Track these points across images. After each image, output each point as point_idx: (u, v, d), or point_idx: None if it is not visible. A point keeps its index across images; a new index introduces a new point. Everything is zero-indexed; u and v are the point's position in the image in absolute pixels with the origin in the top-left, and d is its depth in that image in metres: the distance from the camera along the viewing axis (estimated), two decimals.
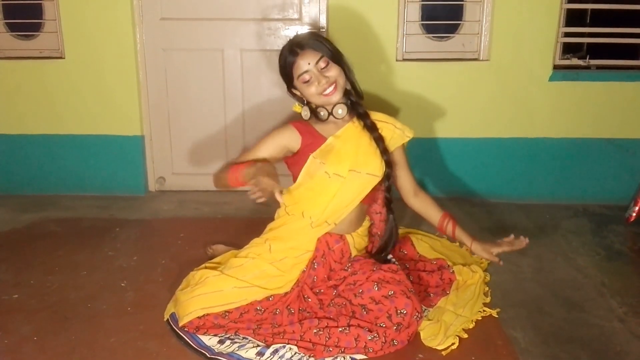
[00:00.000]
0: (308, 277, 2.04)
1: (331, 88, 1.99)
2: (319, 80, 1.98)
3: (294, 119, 2.14)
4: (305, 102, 2.08)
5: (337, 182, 2.02)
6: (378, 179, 2.08)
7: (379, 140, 2.07)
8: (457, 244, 2.68)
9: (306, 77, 1.98)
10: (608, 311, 2.13)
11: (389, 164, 2.08)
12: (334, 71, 2.00)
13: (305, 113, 2.08)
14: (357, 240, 2.13)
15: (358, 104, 2.10)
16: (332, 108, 2.04)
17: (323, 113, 2.05)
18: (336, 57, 2.01)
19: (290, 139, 2.07)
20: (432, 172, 3.31)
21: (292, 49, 1.99)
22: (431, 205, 2.21)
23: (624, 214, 3.01)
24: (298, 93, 2.07)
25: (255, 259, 2.05)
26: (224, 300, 1.96)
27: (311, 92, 2.00)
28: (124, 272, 2.42)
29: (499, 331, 1.99)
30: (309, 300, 2.01)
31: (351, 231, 2.12)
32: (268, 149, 2.05)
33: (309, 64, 1.97)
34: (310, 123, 2.10)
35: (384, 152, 2.07)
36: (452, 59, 3.21)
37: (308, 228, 2.05)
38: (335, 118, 2.06)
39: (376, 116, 2.13)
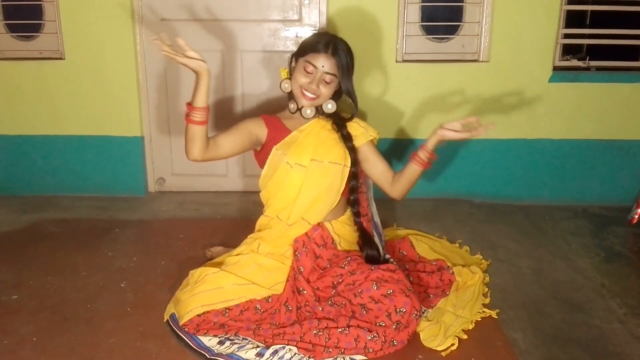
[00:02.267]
0: (296, 270, 2.07)
1: (312, 95, 2.05)
2: (312, 82, 2.03)
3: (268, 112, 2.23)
4: (291, 77, 2.11)
5: (300, 173, 2.06)
6: (342, 167, 2.10)
7: (340, 126, 2.13)
8: (457, 244, 2.69)
9: (311, 70, 2.03)
10: (608, 312, 2.14)
11: (352, 150, 2.12)
12: (326, 92, 2.06)
13: (286, 86, 2.10)
14: (336, 227, 2.15)
15: (336, 114, 2.16)
16: (302, 107, 2.10)
17: (293, 106, 2.12)
18: (345, 84, 2.08)
19: (258, 128, 2.11)
20: (431, 173, 3.31)
21: (327, 46, 2.03)
22: (402, 173, 2.10)
23: (626, 216, 3.00)
24: (294, 66, 2.11)
25: (249, 254, 2.11)
26: (224, 297, 1.97)
27: (300, 80, 2.05)
28: (124, 273, 2.42)
29: (499, 332, 1.99)
30: (304, 292, 2.02)
31: (329, 219, 2.15)
32: (239, 132, 2.07)
33: (322, 66, 2.02)
34: (278, 117, 2.17)
35: (346, 138, 2.11)
36: (452, 60, 3.21)
37: (286, 228, 2.10)
38: (302, 116, 2.12)
39: (343, 115, 2.19)
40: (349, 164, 2.11)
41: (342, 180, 2.12)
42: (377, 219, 2.34)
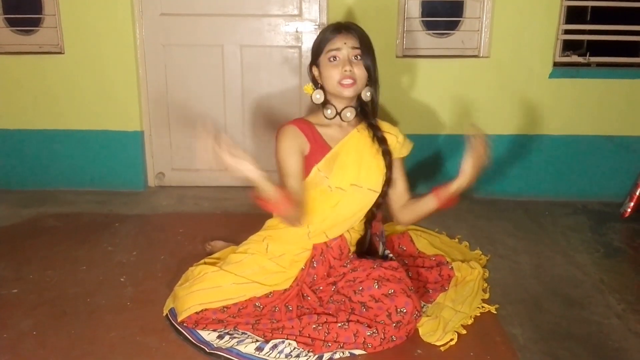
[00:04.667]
0: (308, 276, 2.03)
1: (350, 81, 1.90)
2: (344, 66, 1.89)
3: (286, 121, 2.04)
4: (320, 85, 1.99)
5: (338, 195, 2.00)
6: (377, 195, 2.04)
7: (386, 154, 2.01)
8: (457, 239, 2.69)
9: (335, 54, 1.90)
10: (606, 308, 2.14)
11: (389, 181, 2.04)
12: (360, 70, 1.91)
13: (318, 97, 1.98)
14: (354, 236, 2.13)
15: (371, 114, 2.03)
16: (342, 110, 1.98)
17: (330, 111, 1.98)
18: (370, 62, 1.93)
19: (301, 142, 1.96)
20: (430, 169, 3.31)
21: (339, 27, 1.93)
22: (417, 200, 2.04)
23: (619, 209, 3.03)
24: (316, 73, 1.99)
25: (255, 254, 2.05)
26: (222, 296, 1.95)
27: (331, 74, 1.90)
28: (123, 268, 2.42)
29: (498, 327, 2.00)
30: (308, 298, 2.00)
31: (348, 228, 2.10)
32: (298, 164, 1.94)
33: (345, 43, 1.90)
34: (312, 124, 2.01)
35: (389, 167, 2.02)
36: (452, 56, 3.21)
37: (305, 237, 2.03)
38: (342, 120, 2.01)
39: (381, 125, 2.06)
40: (380, 190, 2.04)
41: (371, 204, 2.06)
42: None
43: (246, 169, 1.70)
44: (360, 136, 2.02)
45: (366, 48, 1.92)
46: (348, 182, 1.98)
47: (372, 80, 1.96)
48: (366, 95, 1.98)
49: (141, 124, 3.33)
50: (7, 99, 3.30)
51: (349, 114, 1.99)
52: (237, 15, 3.20)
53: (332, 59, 1.91)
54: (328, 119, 2.01)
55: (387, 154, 2.02)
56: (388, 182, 2.04)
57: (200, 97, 3.34)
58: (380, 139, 2.02)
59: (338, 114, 1.99)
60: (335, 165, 1.98)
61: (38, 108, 3.30)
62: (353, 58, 1.91)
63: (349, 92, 1.92)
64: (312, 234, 2.03)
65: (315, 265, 2.04)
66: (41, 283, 2.29)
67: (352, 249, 2.12)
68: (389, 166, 2.03)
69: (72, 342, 1.89)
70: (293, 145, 1.94)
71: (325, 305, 1.98)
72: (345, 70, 1.89)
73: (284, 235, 2.06)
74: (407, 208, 2.08)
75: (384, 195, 2.06)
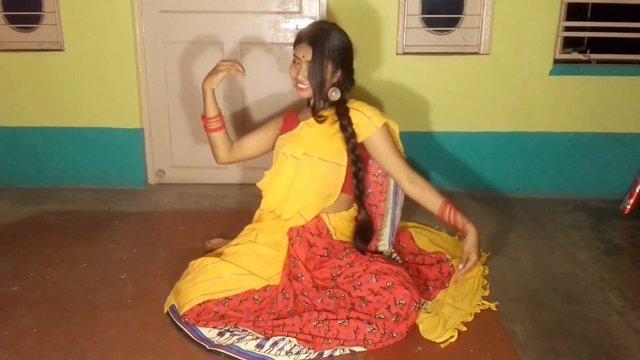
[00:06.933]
0: (289, 258, 2.09)
1: (302, 86, 2.09)
2: (299, 73, 2.07)
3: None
4: None
5: (292, 165, 2.10)
6: (332, 165, 2.09)
7: (345, 127, 2.08)
8: (456, 237, 2.69)
9: (297, 61, 2.10)
10: (606, 305, 2.14)
11: (354, 151, 2.08)
12: (313, 79, 2.07)
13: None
14: (333, 220, 2.15)
15: (339, 105, 2.13)
16: (310, 99, 2.17)
17: (310, 100, 2.19)
18: (319, 77, 2.04)
19: (276, 127, 2.26)
20: (431, 166, 3.31)
21: (304, 36, 2.08)
22: (429, 192, 2.10)
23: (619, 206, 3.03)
24: None
25: (247, 244, 2.12)
26: (224, 287, 1.99)
27: (290, 73, 2.12)
28: (124, 265, 2.42)
29: (498, 325, 2.00)
30: (302, 278, 2.02)
31: (328, 212, 2.15)
32: (263, 130, 2.28)
33: (303, 56, 2.06)
34: (297, 112, 2.25)
35: (349, 139, 2.07)
36: (452, 53, 3.20)
37: (282, 223, 2.12)
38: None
39: (352, 104, 2.14)
40: (344, 162, 2.10)
41: (339, 178, 2.11)
42: (393, 214, 2.32)
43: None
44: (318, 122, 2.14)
45: (318, 62, 2.02)
46: (301, 151, 2.09)
47: (340, 83, 2.11)
48: (331, 95, 2.10)
49: (141, 121, 3.33)
50: (6, 96, 3.30)
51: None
52: (237, 12, 3.19)
53: (294, 61, 2.11)
54: (307, 107, 2.22)
55: (345, 127, 2.07)
56: (353, 151, 2.07)
57: (200, 94, 3.31)
58: (343, 126, 2.08)
59: (308, 104, 2.19)
60: (295, 138, 2.14)
61: (38, 105, 3.30)
62: (306, 71, 2.06)
63: (303, 95, 2.13)
64: (286, 216, 2.11)
65: (293, 244, 2.09)
66: (41, 280, 2.29)
67: (332, 230, 2.14)
68: (348, 138, 2.07)
69: (72, 340, 1.90)
70: (271, 126, 2.28)
71: (320, 293, 1.99)
72: (298, 77, 2.08)
73: (267, 226, 2.15)
74: (416, 190, 2.11)
75: (354, 162, 2.09)
